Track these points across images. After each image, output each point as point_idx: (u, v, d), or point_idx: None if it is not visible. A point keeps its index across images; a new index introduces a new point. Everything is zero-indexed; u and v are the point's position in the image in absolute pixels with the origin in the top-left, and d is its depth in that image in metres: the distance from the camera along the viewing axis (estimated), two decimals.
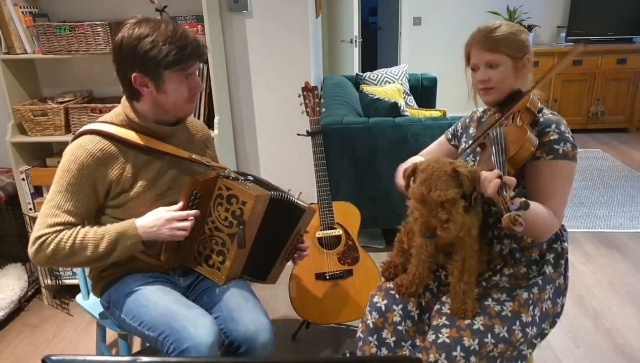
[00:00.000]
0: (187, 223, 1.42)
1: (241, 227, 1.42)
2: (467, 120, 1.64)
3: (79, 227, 1.42)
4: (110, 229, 1.41)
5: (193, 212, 1.43)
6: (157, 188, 1.51)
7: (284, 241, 1.64)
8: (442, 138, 1.72)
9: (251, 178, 1.51)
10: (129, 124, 1.49)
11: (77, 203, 1.42)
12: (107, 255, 1.41)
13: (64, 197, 1.41)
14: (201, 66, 2.29)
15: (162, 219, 1.41)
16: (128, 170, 1.47)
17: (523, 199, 1.11)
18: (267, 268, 1.66)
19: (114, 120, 1.50)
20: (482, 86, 1.44)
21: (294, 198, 1.58)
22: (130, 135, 1.47)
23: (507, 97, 1.43)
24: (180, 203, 1.44)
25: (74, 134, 1.52)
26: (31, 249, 1.40)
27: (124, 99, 1.51)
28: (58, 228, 1.39)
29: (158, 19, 1.43)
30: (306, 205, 1.62)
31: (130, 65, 1.40)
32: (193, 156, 1.56)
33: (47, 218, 1.40)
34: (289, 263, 1.73)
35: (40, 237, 1.38)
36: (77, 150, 1.42)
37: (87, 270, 1.82)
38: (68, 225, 1.41)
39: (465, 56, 1.48)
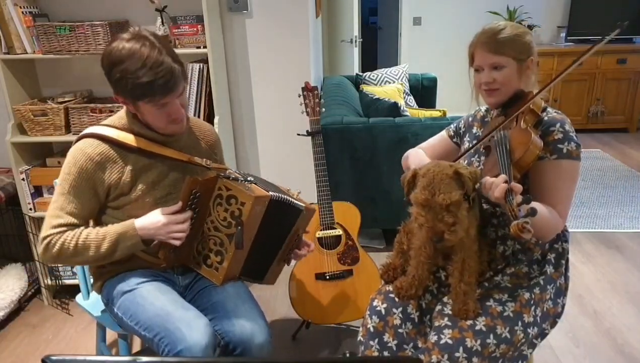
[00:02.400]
0: (184, 227, 1.43)
1: (239, 227, 1.42)
2: (470, 119, 1.64)
3: (82, 228, 1.46)
4: (111, 230, 1.45)
5: (189, 213, 1.44)
6: (156, 192, 1.52)
7: (282, 241, 1.63)
8: (443, 134, 1.70)
9: (251, 178, 1.51)
10: (130, 128, 1.50)
11: (79, 205, 1.46)
12: (109, 255, 1.45)
13: (67, 199, 1.46)
14: (201, 66, 2.29)
15: (160, 223, 1.43)
16: (127, 174, 1.49)
17: (530, 206, 1.11)
18: (264, 269, 1.66)
19: (116, 123, 1.52)
20: (486, 88, 1.44)
21: (292, 199, 1.58)
22: (131, 139, 1.49)
23: (510, 97, 1.43)
24: (180, 203, 1.44)
25: (74, 133, 1.53)
26: (39, 249, 1.46)
27: None
28: (62, 229, 1.44)
29: (145, 36, 1.38)
30: (304, 205, 1.61)
31: (109, 84, 1.42)
32: (194, 159, 1.55)
33: (52, 219, 1.45)
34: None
35: (46, 237, 1.44)
36: (77, 153, 1.46)
37: (86, 267, 1.84)
38: (71, 226, 1.46)
39: (469, 57, 1.48)
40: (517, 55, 1.40)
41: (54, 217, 1.45)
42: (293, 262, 1.77)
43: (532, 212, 1.10)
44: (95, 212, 1.52)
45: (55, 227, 1.44)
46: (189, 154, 1.57)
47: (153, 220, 1.45)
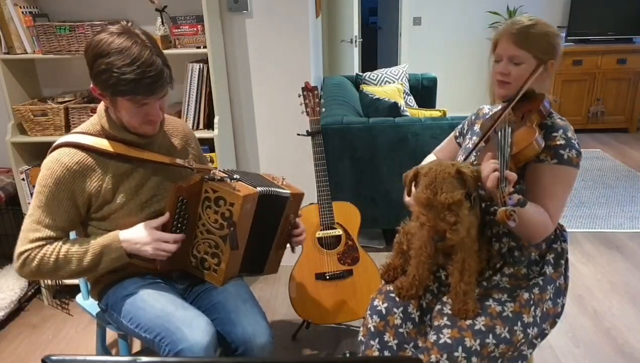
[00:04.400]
0: (172, 247, 1.40)
1: (232, 228, 1.41)
2: (473, 118, 1.64)
3: (62, 240, 1.42)
4: (94, 243, 1.41)
5: (180, 236, 1.42)
6: (140, 197, 1.49)
7: (275, 231, 1.63)
8: (451, 135, 1.72)
9: (237, 176, 1.48)
10: (105, 134, 1.45)
11: (57, 217, 1.41)
12: (92, 268, 1.42)
13: (44, 211, 1.40)
14: (201, 66, 2.28)
15: (148, 238, 1.40)
16: (107, 181, 1.44)
17: (521, 197, 1.12)
18: (262, 261, 1.66)
19: (90, 130, 1.46)
20: (500, 78, 1.41)
21: (278, 189, 1.57)
22: (107, 145, 1.43)
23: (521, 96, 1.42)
24: (167, 214, 1.42)
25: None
26: (16, 264, 1.40)
27: (100, 107, 1.47)
28: (40, 243, 1.39)
29: (137, 34, 1.34)
30: (289, 192, 1.60)
31: (89, 74, 1.36)
32: (176, 161, 1.52)
33: (29, 234, 1.39)
34: (288, 262, 1.72)
35: (23, 252, 1.39)
36: (53, 164, 1.40)
37: None
38: (50, 240, 1.40)
39: (492, 45, 1.45)
40: (539, 54, 1.37)
41: (31, 231, 1.39)
42: (297, 248, 1.73)
43: (522, 202, 1.11)
44: (76, 223, 1.47)
45: (33, 241, 1.38)
46: (166, 153, 1.54)
47: (140, 234, 1.41)
